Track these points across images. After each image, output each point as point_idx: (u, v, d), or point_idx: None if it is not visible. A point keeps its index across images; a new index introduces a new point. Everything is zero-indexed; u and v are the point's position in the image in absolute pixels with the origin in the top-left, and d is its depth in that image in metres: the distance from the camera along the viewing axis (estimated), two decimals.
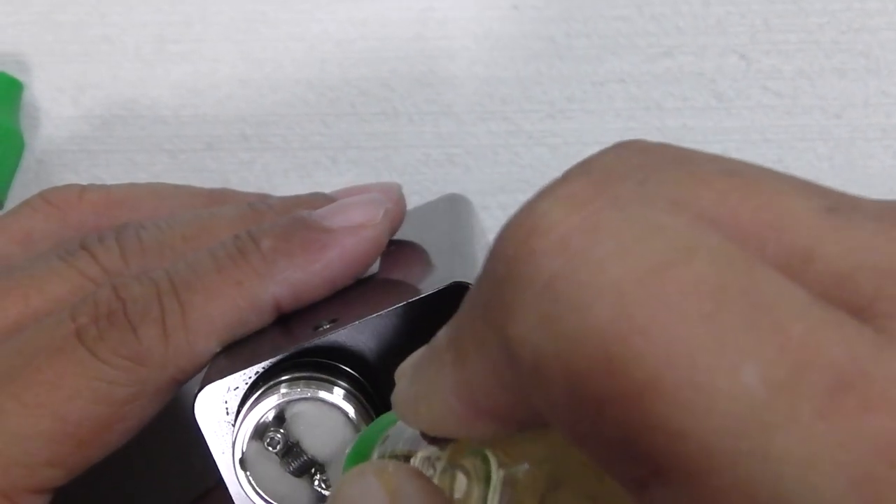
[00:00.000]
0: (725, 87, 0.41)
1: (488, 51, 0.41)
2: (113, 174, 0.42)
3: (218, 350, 0.27)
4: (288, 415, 0.25)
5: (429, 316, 0.25)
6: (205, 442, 0.26)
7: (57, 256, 0.29)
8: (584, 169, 0.15)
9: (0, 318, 0.28)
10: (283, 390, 0.25)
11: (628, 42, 0.41)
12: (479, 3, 0.41)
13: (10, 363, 0.26)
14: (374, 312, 0.26)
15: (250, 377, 0.26)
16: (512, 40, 0.41)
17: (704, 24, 0.41)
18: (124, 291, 0.27)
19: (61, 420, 0.26)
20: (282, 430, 0.25)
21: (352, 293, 0.28)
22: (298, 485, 0.26)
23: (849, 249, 0.13)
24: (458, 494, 0.18)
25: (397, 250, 0.31)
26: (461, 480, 0.18)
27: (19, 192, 0.41)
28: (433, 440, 0.19)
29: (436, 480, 0.19)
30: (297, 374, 0.26)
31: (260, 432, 0.25)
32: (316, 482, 0.26)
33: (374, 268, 0.29)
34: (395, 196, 0.31)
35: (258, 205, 0.31)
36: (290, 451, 0.26)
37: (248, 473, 0.26)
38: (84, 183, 0.32)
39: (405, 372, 0.18)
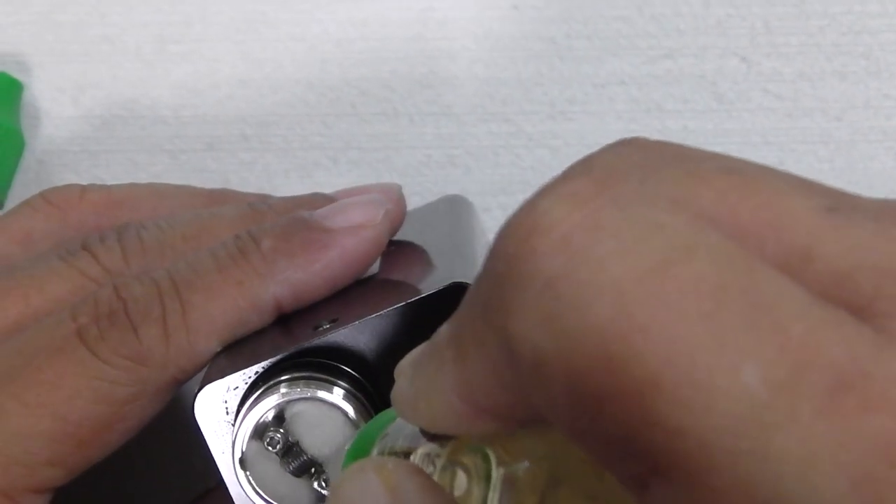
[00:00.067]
0: (726, 90, 0.41)
1: (489, 51, 0.41)
2: (113, 174, 0.42)
3: (218, 350, 0.27)
4: (288, 414, 0.25)
5: (429, 316, 0.25)
6: (205, 442, 0.26)
7: (57, 256, 0.29)
8: (584, 167, 0.15)
9: (0, 317, 0.28)
10: (283, 390, 0.25)
11: (629, 43, 0.41)
12: (479, 4, 0.41)
13: (11, 363, 0.26)
14: (374, 312, 0.26)
15: (250, 377, 0.26)
16: (512, 41, 0.41)
17: (705, 26, 0.41)
18: (125, 291, 0.27)
19: (62, 420, 0.26)
20: (282, 430, 0.25)
21: (352, 293, 0.28)
22: (298, 484, 0.26)
23: (848, 249, 0.13)
24: (458, 492, 0.18)
25: (397, 251, 0.31)
26: (461, 478, 0.18)
27: (19, 192, 0.41)
28: (433, 437, 0.19)
29: (436, 478, 0.19)
30: (296, 374, 0.26)
31: (260, 432, 0.25)
32: (316, 482, 0.26)
33: (375, 268, 0.29)
34: (395, 197, 0.31)
35: (258, 205, 0.31)
36: (290, 451, 0.26)
37: (247, 473, 0.26)
38: (84, 183, 0.32)
39: (405, 369, 0.18)
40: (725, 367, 0.12)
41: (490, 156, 0.42)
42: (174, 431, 0.30)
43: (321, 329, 0.26)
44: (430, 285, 0.26)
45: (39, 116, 0.42)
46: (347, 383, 0.26)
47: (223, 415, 0.26)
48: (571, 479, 0.17)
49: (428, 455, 0.19)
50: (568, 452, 0.17)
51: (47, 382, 0.26)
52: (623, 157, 0.15)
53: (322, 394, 0.25)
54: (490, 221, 0.40)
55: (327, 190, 0.33)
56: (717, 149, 0.16)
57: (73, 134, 0.42)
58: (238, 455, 0.25)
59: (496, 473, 0.18)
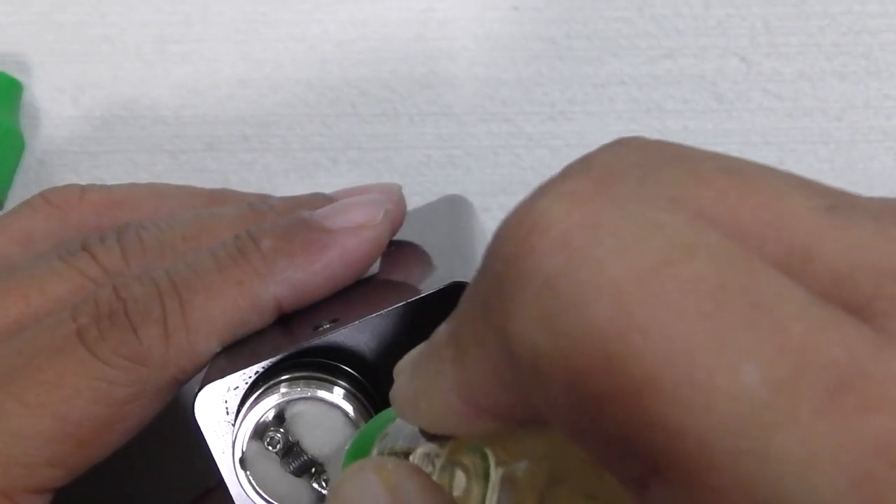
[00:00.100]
0: (726, 90, 0.41)
1: (489, 52, 0.41)
2: (113, 174, 0.42)
3: (218, 350, 0.27)
4: (288, 414, 0.25)
5: (429, 316, 0.25)
6: (205, 442, 0.26)
7: (57, 256, 0.29)
8: (583, 166, 0.15)
9: (0, 317, 0.28)
10: (283, 390, 0.25)
11: (629, 44, 0.41)
12: (479, 4, 0.41)
13: (11, 363, 0.26)
14: (374, 312, 0.26)
15: (250, 377, 0.26)
16: (512, 41, 0.41)
17: (705, 26, 0.41)
18: (125, 291, 0.27)
19: (62, 420, 0.26)
20: (282, 430, 0.25)
21: (352, 293, 0.28)
22: (298, 484, 0.26)
23: (848, 248, 0.13)
24: (457, 492, 0.18)
25: (398, 251, 0.31)
26: (460, 477, 0.18)
27: (19, 192, 0.41)
28: (432, 437, 0.19)
29: (435, 477, 0.19)
30: (297, 374, 0.26)
31: (260, 432, 0.25)
32: (316, 482, 0.26)
33: (375, 268, 0.29)
34: (395, 197, 0.31)
35: (258, 205, 0.31)
36: (291, 451, 0.26)
37: (248, 473, 0.26)
38: (84, 183, 0.32)
39: (404, 369, 0.18)
40: (725, 366, 0.12)
41: (490, 156, 0.42)
42: (174, 431, 0.30)
43: (321, 329, 0.26)
44: (430, 285, 0.26)
45: (39, 116, 0.42)
46: (348, 383, 0.26)
47: (223, 415, 0.26)
48: (571, 479, 0.17)
49: (427, 455, 0.19)
50: (567, 452, 0.17)
51: (47, 382, 0.26)
52: (622, 157, 0.15)
53: (322, 393, 0.25)
54: (490, 221, 0.40)
55: (327, 190, 0.33)
56: (717, 149, 0.16)
57: (73, 134, 0.42)
58: (238, 455, 0.25)
59: (495, 473, 0.18)
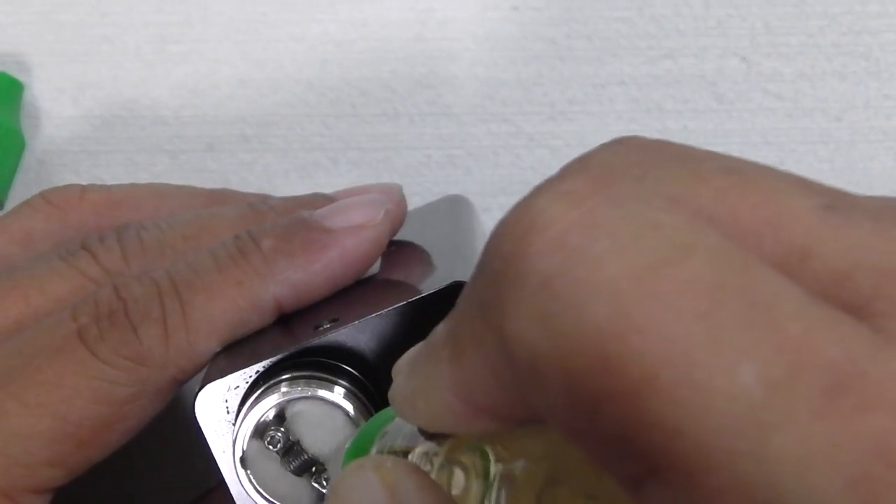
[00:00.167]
0: (726, 90, 0.41)
1: (489, 52, 0.41)
2: (113, 174, 0.42)
3: (218, 350, 0.27)
4: (288, 414, 0.25)
5: (429, 316, 0.25)
6: (205, 441, 0.26)
7: (58, 256, 0.29)
8: (581, 165, 0.15)
9: (0, 317, 0.28)
10: (283, 389, 0.25)
11: (629, 44, 0.41)
12: (479, 4, 0.41)
13: (11, 363, 0.26)
14: (374, 312, 0.26)
15: (251, 376, 0.26)
16: (512, 41, 0.41)
17: (705, 27, 0.41)
18: (125, 291, 0.27)
19: (62, 420, 0.26)
20: (282, 429, 0.25)
21: (352, 293, 0.28)
22: (299, 484, 0.26)
23: (847, 248, 0.13)
24: (456, 490, 0.18)
25: (398, 251, 0.31)
26: (459, 476, 0.18)
27: (20, 192, 0.41)
28: (431, 436, 0.19)
29: (434, 476, 0.19)
30: (297, 374, 0.26)
31: (260, 431, 0.25)
32: (316, 481, 0.26)
33: (375, 268, 0.29)
34: (395, 197, 0.31)
35: (258, 205, 0.31)
36: (291, 450, 0.26)
37: (248, 472, 0.26)
38: (84, 183, 0.32)
39: (402, 368, 0.18)
40: (723, 366, 0.12)
41: (490, 156, 0.42)
42: (174, 431, 0.30)
43: (322, 328, 0.26)
44: (430, 285, 0.26)
45: (39, 116, 0.42)
46: (348, 382, 0.26)
47: (224, 414, 0.26)
48: (569, 478, 0.17)
49: (426, 454, 0.19)
50: (566, 452, 0.17)
51: (47, 382, 0.26)
52: (620, 156, 0.15)
53: (323, 393, 0.25)
54: (490, 221, 0.40)
55: (327, 190, 0.33)
56: (717, 149, 0.16)
57: (73, 134, 0.42)
58: (239, 454, 0.25)
59: (494, 472, 0.18)
